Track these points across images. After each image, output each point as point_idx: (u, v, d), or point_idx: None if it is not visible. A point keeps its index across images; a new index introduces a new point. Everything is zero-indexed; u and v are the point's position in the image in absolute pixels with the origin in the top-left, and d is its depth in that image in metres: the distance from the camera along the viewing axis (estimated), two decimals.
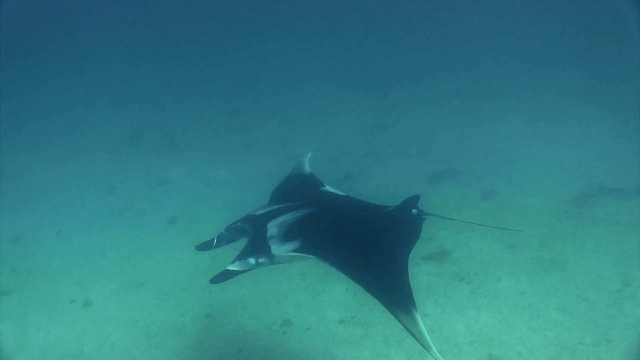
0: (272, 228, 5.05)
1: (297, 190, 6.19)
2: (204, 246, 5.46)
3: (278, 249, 4.83)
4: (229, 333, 7.93)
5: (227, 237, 5.42)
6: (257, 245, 4.94)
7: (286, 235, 4.93)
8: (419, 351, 7.10)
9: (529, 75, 18.62)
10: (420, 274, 8.79)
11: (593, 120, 13.97)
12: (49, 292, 9.73)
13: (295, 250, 4.76)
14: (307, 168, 6.60)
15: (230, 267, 4.86)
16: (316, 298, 8.47)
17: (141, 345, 7.91)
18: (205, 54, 28.58)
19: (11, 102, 24.08)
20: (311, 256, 4.63)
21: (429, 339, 3.92)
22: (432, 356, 3.87)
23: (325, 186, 6.31)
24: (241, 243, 5.43)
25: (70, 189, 14.88)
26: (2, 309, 9.32)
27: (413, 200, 5.61)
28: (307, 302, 8.37)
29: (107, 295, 9.40)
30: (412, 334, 3.96)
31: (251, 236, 5.14)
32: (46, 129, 20.85)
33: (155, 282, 9.56)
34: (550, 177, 11.36)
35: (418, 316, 4.06)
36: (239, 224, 5.39)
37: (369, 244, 4.91)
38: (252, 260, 4.85)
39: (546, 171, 11.71)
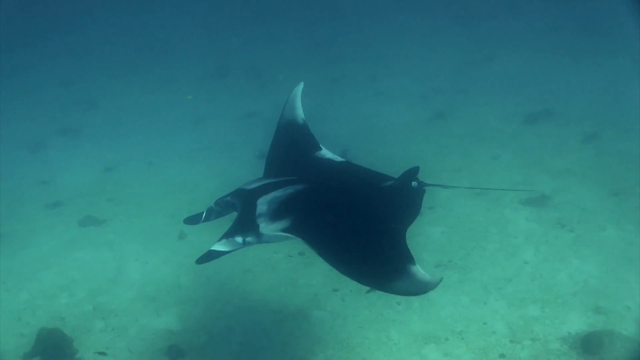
0: (262, 205, 4.75)
1: (291, 156, 5.73)
2: (192, 220, 5.20)
3: (266, 227, 4.54)
4: (322, 272, 7.88)
5: (216, 211, 5.09)
6: (245, 223, 4.67)
7: (275, 214, 4.64)
8: (519, 299, 6.91)
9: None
10: (519, 218, 8.53)
11: None
12: (144, 223, 9.92)
13: (283, 230, 4.47)
14: (301, 115, 5.98)
15: (215, 247, 4.61)
16: (411, 240, 8.19)
17: (236, 280, 7.99)
18: None
19: (102, 32, 24.45)
20: (299, 238, 4.33)
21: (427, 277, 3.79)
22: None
23: (321, 149, 5.82)
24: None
25: (159, 120, 15.10)
26: (101, 237, 9.57)
27: (412, 172, 5.17)
28: None
29: (201, 228, 9.46)
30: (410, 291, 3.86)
31: (240, 213, 4.86)
32: (134, 59, 21.08)
33: None
34: None
35: (417, 267, 3.88)
36: (228, 198, 5.07)
37: (363, 228, 4.57)
38: (239, 239, 4.59)
39: None
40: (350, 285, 7.53)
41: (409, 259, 3.98)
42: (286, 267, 8.17)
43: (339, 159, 5.66)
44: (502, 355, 6.13)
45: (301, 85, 6.16)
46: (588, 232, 7.99)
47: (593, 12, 17.87)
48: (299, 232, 4.41)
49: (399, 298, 7.16)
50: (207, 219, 5.12)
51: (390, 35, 19.34)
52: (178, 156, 12.57)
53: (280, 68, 17.83)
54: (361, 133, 12.38)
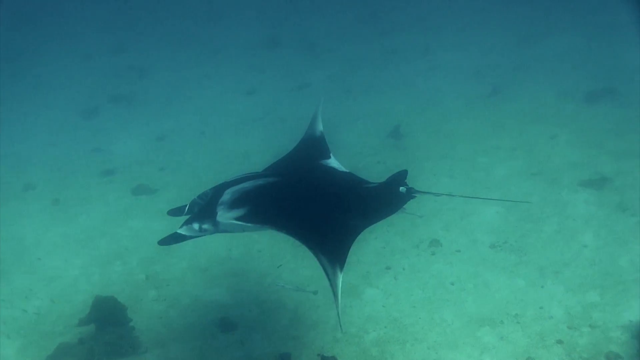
0: (227, 194, 4.74)
1: (294, 161, 5.61)
2: (175, 212, 5.19)
3: (223, 215, 4.53)
4: (375, 250, 7.81)
5: (199, 204, 5.09)
6: (205, 211, 4.71)
7: (235, 202, 4.62)
8: (578, 284, 6.70)
9: None
10: (578, 201, 8.27)
11: None
12: (196, 193, 9.88)
13: (238, 219, 4.45)
14: (319, 128, 5.83)
15: (179, 231, 4.71)
16: (465, 219, 8.17)
17: (287, 255, 7.94)
18: None
19: (154, 1, 24.52)
20: (249, 225, 4.40)
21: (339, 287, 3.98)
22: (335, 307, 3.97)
23: (329, 158, 5.63)
24: None
25: (211, 90, 15.12)
26: (154, 207, 9.62)
27: (400, 177, 4.96)
28: (455, 223, 8.09)
29: None
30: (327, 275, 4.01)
31: (206, 202, 4.90)
32: (186, 28, 21.11)
33: None
34: None
35: (339, 272, 4.03)
36: (209, 191, 5.08)
37: (322, 213, 4.58)
38: (195, 226, 4.65)
39: None
40: (402, 263, 7.44)
41: (340, 261, 4.09)
42: None
43: (342, 169, 5.48)
44: (559, 342, 5.97)
45: (321, 102, 6.12)
46: None
47: None
48: (253, 219, 4.45)
49: (452, 278, 7.06)
50: (190, 211, 5.05)
51: (445, 8, 18.95)
52: (230, 126, 12.58)
53: (333, 39, 17.66)
54: (415, 107, 12.17)
